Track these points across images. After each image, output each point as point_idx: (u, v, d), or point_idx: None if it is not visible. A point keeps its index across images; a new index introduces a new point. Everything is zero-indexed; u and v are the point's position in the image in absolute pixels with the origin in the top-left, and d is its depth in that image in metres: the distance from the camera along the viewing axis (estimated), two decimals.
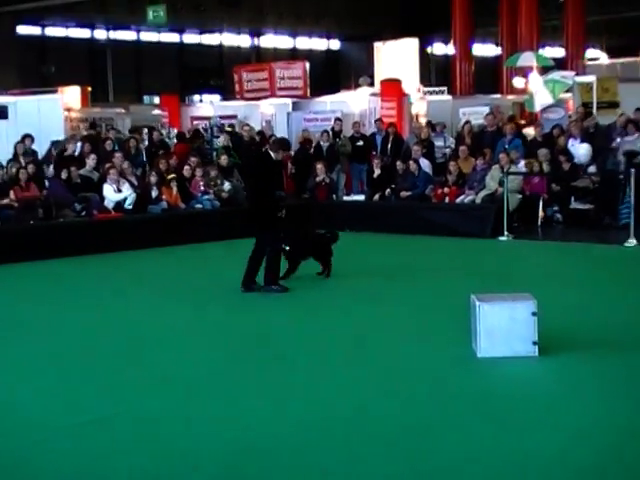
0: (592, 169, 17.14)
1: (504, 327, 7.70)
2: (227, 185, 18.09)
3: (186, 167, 17.93)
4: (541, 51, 28.16)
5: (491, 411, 6.43)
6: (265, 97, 24.83)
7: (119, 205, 16.53)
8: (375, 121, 20.77)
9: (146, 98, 42.60)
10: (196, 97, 42.18)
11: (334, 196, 19.08)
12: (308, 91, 24.91)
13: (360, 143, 19.98)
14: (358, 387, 7.11)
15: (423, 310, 10.06)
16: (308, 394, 6.96)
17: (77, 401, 6.90)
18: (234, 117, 23.92)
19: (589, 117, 18.49)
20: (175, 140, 21.08)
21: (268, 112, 23.83)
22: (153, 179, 17.02)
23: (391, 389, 7.04)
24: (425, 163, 18.23)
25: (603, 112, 19.77)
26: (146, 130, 20.90)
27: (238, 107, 24.91)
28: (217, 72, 44.53)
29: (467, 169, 17.80)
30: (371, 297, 10.94)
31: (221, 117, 23.15)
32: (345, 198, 19.15)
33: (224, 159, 18.90)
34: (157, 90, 36.68)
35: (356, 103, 22.96)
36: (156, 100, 36.69)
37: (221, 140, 20.54)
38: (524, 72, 22.70)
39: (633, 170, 15.21)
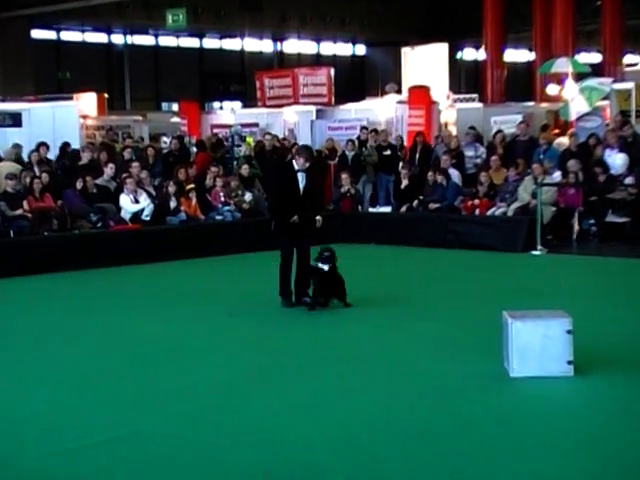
0: (629, 180, 17.05)
1: (537, 346, 7.66)
2: (248, 196, 18.10)
3: (208, 177, 17.99)
4: (577, 57, 28.09)
5: (525, 434, 6.39)
6: (288, 104, 24.89)
7: (136, 216, 16.59)
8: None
9: (164, 105, 42.78)
10: (216, 104, 42.29)
11: (359, 208, 19.06)
12: (333, 98, 24.95)
13: (387, 152, 19.94)
14: (388, 404, 7.11)
15: (453, 327, 10.03)
16: (337, 408, 6.99)
17: (96, 419, 6.94)
18: (256, 125, 24.01)
19: (626, 126, 18.39)
20: (195, 149, 21.18)
21: (291, 120, 23.89)
22: (171, 189, 17.06)
23: (420, 410, 7.02)
24: (454, 174, 18.20)
25: None
26: (164, 138, 20.99)
27: (260, 115, 25.01)
28: (238, 78, 44.61)
29: (499, 180, 17.76)
30: (401, 313, 10.91)
31: (242, 125, 23.22)
32: (371, 210, 19.13)
33: (245, 169, 18.94)
34: (176, 97, 36.78)
35: (383, 111, 22.98)
36: (175, 107, 36.86)
37: (242, 149, 20.62)
38: (559, 79, 22.64)
39: None
